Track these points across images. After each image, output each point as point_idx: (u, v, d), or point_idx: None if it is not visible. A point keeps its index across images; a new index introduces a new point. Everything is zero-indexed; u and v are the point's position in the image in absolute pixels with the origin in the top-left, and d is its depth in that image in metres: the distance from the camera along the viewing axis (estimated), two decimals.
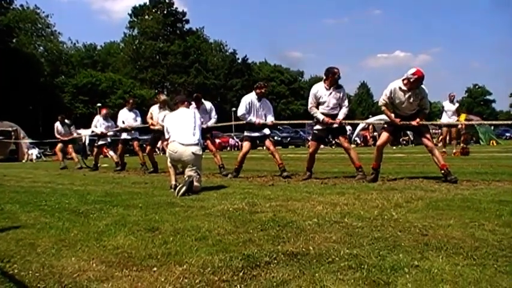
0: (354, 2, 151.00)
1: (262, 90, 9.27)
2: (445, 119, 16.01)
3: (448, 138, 17.49)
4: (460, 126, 17.55)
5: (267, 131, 9.41)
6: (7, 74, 42.64)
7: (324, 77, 8.25)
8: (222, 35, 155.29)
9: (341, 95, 8.25)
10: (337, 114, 8.21)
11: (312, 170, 8.46)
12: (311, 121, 8.63)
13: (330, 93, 8.15)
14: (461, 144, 16.87)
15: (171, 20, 69.90)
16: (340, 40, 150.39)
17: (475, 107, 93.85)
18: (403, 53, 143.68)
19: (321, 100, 8.19)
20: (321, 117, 8.15)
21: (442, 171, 7.20)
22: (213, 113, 10.69)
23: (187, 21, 72.54)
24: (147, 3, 69.36)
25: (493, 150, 20.59)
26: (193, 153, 6.92)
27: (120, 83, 57.19)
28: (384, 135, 7.79)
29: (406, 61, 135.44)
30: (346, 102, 8.39)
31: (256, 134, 9.35)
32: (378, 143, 7.99)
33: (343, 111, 8.26)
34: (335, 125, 8.21)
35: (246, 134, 9.48)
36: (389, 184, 7.03)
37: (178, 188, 6.54)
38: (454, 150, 15.89)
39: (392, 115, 7.61)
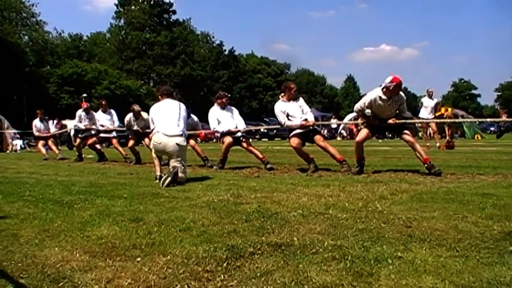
0: None
1: (223, 100, 9.60)
2: (424, 114, 16.02)
3: (431, 132, 17.62)
4: (446, 116, 17.65)
5: (239, 133, 9.54)
6: None
7: (282, 93, 8.55)
8: (209, 27, 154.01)
9: (301, 104, 8.50)
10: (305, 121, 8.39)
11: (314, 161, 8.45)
12: (279, 126, 8.95)
13: (291, 106, 8.39)
14: (447, 138, 16.98)
15: (157, 11, 69.30)
16: (326, 33, 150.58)
17: (460, 101, 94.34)
18: (389, 47, 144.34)
19: (288, 114, 8.38)
20: (297, 122, 8.32)
21: (426, 165, 7.25)
22: (199, 126, 11.17)
23: (174, 12, 71.94)
24: None
25: (478, 144, 20.75)
26: (177, 144, 6.92)
27: (106, 74, 56.57)
28: (364, 132, 7.77)
29: (392, 54, 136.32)
30: (307, 108, 8.63)
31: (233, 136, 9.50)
32: (357, 139, 7.93)
33: (309, 115, 8.50)
34: (310, 127, 8.41)
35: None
36: (375, 177, 7.07)
37: (163, 179, 6.53)
38: (437, 144, 15.97)
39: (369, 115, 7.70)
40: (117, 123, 13.30)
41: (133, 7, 68.50)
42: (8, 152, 24.01)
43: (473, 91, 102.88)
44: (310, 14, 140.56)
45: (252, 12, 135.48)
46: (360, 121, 7.95)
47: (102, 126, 13.10)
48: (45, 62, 60.01)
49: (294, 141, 8.29)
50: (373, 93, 7.46)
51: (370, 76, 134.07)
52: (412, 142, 7.44)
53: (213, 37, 79.00)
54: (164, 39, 66.35)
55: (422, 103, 16.49)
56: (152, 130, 7.36)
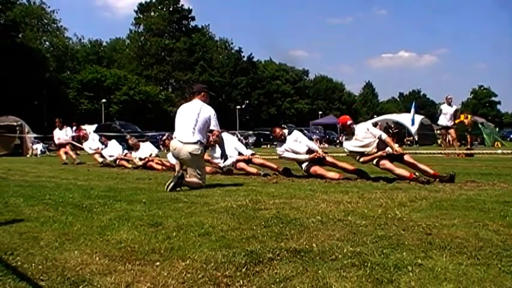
0: (359, 2, 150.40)
1: (214, 137, 9.44)
2: (443, 121, 16.02)
3: (450, 139, 17.49)
4: (467, 124, 17.52)
5: (246, 155, 9.73)
6: (13, 69, 42.66)
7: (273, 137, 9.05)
8: (228, 33, 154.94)
9: (297, 139, 8.76)
10: (310, 150, 8.58)
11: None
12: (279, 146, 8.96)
13: (288, 144, 8.66)
14: (467, 145, 16.85)
15: (176, 17, 69.76)
16: (344, 39, 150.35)
17: (480, 108, 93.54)
18: (407, 53, 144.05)
19: (293, 150, 8.61)
20: (306, 156, 8.48)
21: (438, 179, 7.11)
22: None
23: (193, 19, 72.47)
24: (153, 0, 69.31)
25: (498, 151, 20.50)
26: (190, 152, 6.91)
27: (125, 79, 57.09)
28: (387, 163, 7.49)
29: (410, 61, 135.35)
30: (305, 139, 8.91)
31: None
32: (388, 168, 7.52)
33: (312, 145, 8.87)
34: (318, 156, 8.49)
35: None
36: (394, 184, 7.01)
37: (167, 183, 6.60)
38: (457, 151, 15.83)
39: (377, 152, 7.60)
40: (120, 150, 13.54)
41: (152, 13, 69.12)
42: (28, 156, 24.30)
43: (493, 98, 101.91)
44: (328, 20, 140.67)
45: (271, 19, 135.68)
46: (375, 162, 7.74)
47: (111, 156, 13.44)
48: (65, 67, 60.80)
49: (316, 170, 8.31)
50: (344, 143, 8.02)
51: (388, 83, 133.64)
52: (414, 164, 7.42)
53: (232, 43, 79.37)
54: (183, 45, 66.82)
55: (441, 110, 16.38)
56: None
